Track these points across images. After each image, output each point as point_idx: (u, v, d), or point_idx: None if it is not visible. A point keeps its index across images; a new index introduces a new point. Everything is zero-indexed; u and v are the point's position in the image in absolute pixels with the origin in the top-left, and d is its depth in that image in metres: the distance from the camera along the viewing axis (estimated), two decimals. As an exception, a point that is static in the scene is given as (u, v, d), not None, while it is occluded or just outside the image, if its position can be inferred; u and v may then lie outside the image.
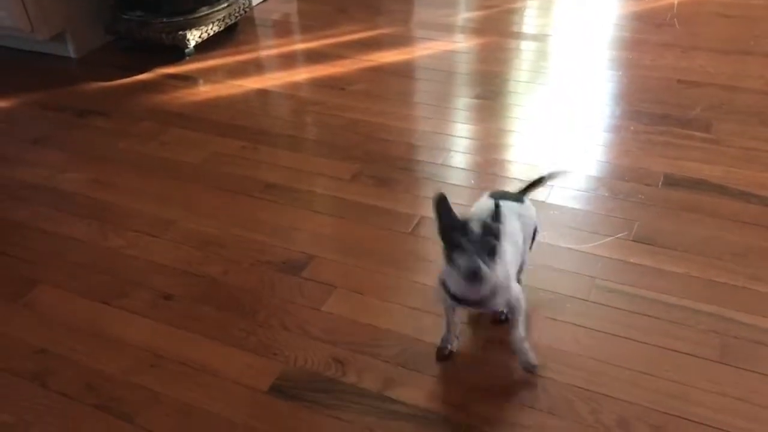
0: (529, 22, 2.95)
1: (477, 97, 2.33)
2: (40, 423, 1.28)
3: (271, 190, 1.87)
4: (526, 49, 2.68)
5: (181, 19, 2.41)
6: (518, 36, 2.78)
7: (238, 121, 2.19)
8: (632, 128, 2.10)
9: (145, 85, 2.40)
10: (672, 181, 1.84)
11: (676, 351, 1.36)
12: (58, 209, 1.84)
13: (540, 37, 2.77)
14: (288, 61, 2.62)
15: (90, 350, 1.43)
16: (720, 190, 1.81)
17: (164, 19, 2.40)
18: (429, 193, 1.83)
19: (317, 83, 2.39)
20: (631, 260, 1.58)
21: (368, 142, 2.05)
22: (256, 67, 2.54)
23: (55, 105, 2.32)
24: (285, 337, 1.44)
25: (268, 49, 2.72)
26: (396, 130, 2.11)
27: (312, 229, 1.74)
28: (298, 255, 1.64)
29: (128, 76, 2.45)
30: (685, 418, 1.23)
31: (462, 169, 1.95)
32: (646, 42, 2.64)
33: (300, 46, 2.71)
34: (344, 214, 1.77)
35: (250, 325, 1.47)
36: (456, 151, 2.04)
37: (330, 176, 1.90)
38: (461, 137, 2.12)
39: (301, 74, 2.48)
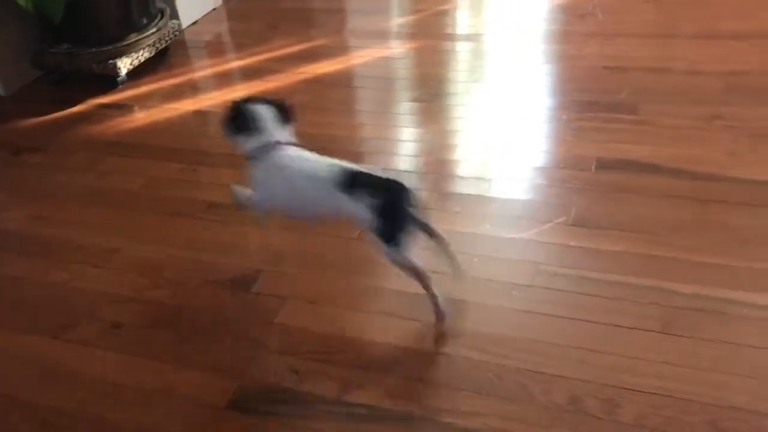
0: (461, 23, 3.00)
1: (417, 100, 2.36)
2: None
3: (214, 209, 1.86)
4: (461, 49, 2.73)
5: (110, 47, 2.38)
6: (451, 37, 2.83)
7: (175, 144, 2.18)
8: (565, 117, 2.16)
9: (80, 117, 2.37)
10: (605, 165, 1.90)
11: (620, 326, 1.41)
12: (1, 251, 1.81)
13: (473, 37, 2.82)
14: (223, 80, 2.62)
15: (38, 388, 1.40)
16: (651, 168, 1.87)
17: (93, 49, 2.37)
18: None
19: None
20: (571, 243, 1.63)
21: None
22: (191, 88, 2.53)
23: (-12, 144, 2.27)
24: (239, 352, 1.43)
25: (202, 69, 2.71)
26: (339, 139, 2.13)
27: (258, 243, 1.75)
28: (246, 271, 1.64)
29: (61, 110, 2.41)
30: (635, 389, 1.27)
31: (408, 171, 1.98)
32: (572, 33, 2.72)
33: (234, 65, 2.71)
34: (290, 226, 1.76)
35: (203, 345, 1.46)
36: (401, 155, 2.07)
37: (273, 190, 1.91)
38: (405, 141, 2.15)
39: (238, 92, 2.47)
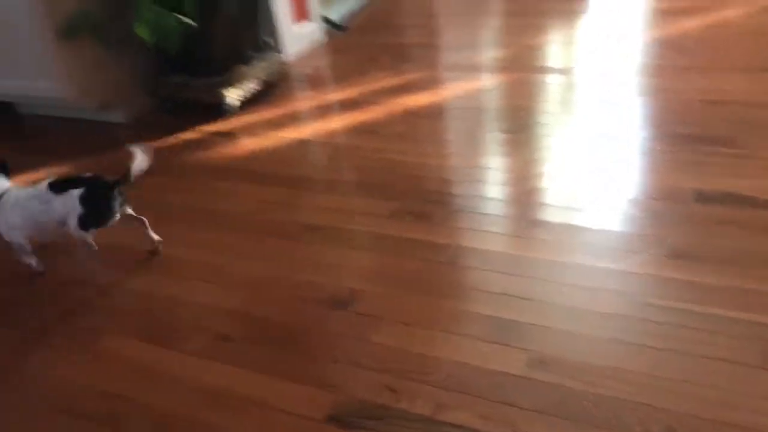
0: (553, 56, 3.04)
1: (506, 131, 2.41)
2: (116, 461, 1.38)
3: (316, 231, 1.96)
4: (552, 82, 2.76)
5: (221, 79, 2.56)
6: (543, 70, 2.87)
7: (280, 170, 2.31)
8: (659, 149, 2.15)
9: (192, 143, 2.55)
10: (702, 197, 1.88)
11: (717, 359, 1.39)
12: (118, 266, 1.96)
13: (565, 70, 2.85)
14: (323, 110, 2.75)
15: (156, 392, 1.52)
16: (751, 201, 1.84)
17: (204, 81, 2.55)
18: (465, 224, 1.91)
19: (353, 129, 2.50)
20: (667, 275, 1.63)
21: (405, 180, 2.14)
22: (294, 118, 2.67)
23: (106, 167, 2.44)
24: (337, 368, 1.51)
25: (304, 101, 2.85)
26: (430, 167, 2.20)
27: (355, 265, 1.83)
28: (344, 291, 1.72)
29: (174, 136, 2.60)
30: (733, 424, 1.26)
31: (496, 199, 2.03)
32: (667, 66, 2.70)
33: (334, 96, 2.84)
34: (385, 249, 1.85)
35: (304, 360, 1.55)
36: (489, 183, 2.12)
37: (369, 214, 1.99)
38: (494, 169, 2.19)
39: (337, 122, 2.60)
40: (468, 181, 2.13)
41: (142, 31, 2.27)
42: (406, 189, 2.10)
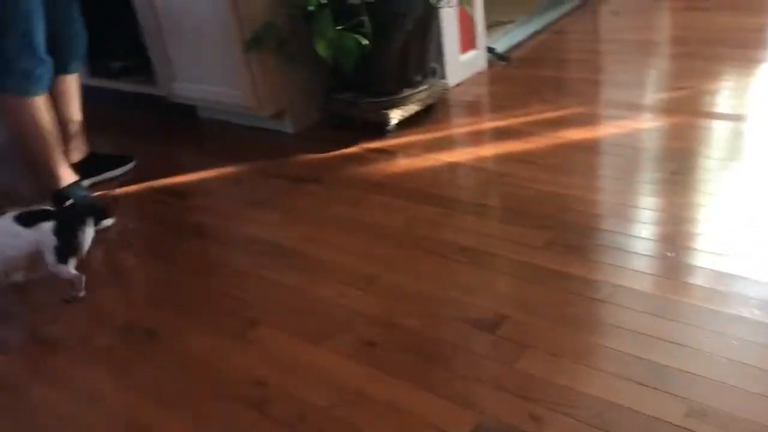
0: (724, 102, 2.89)
1: (666, 172, 2.31)
2: (261, 443, 1.44)
3: (466, 252, 1.98)
4: (720, 128, 2.62)
5: (386, 99, 2.66)
6: (711, 116, 2.73)
7: (433, 190, 2.35)
8: None
9: (351, 158, 2.65)
10: None
11: None
12: (275, 260, 2.07)
13: (735, 117, 2.70)
14: (480, 137, 2.77)
15: (301, 384, 1.59)
16: None
17: (371, 100, 2.66)
18: (616, 261, 1.85)
19: (508, 158, 2.50)
20: None
21: (559, 212, 2.11)
22: (451, 142, 2.71)
23: (273, 173, 2.62)
24: (480, 389, 1.50)
25: (462, 126, 2.89)
26: (585, 202, 2.15)
27: (504, 290, 1.82)
28: (492, 314, 1.72)
29: (336, 150, 2.72)
30: None
31: (649, 239, 1.95)
32: None
33: (491, 124, 2.86)
34: (536, 279, 1.82)
35: (447, 375, 1.55)
36: (643, 222, 2.04)
37: (522, 243, 1.98)
38: (646, 209, 2.11)
39: (492, 149, 2.62)
40: (622, 218, 2.06)
41: (322, 49, 2.41)
42: (559, 221, 2.07)
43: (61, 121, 2.44)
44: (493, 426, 1.40)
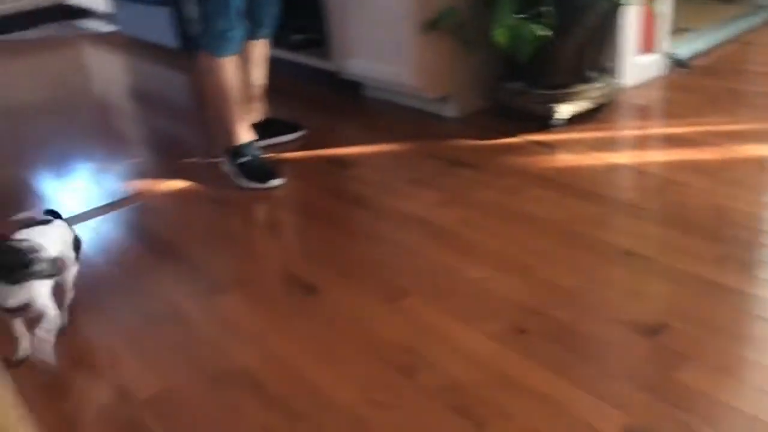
0: None
1: None
2: (403, 407, 1.48)
3: (628, 255, 1.91)
4: None
5: (557, 92, 2.62)
6: None
7: (596, 190, 2.29)
8: None
9: (512, 148, 2.63)
10: None
11: None
12: (430, 238, 2.11)
13: None
14: (649, 142, 2.66)
15: (449, 358, 1.61)
16: None
17: (541, 92, 2.63)
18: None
19: (679, 165, 2.39)
20: None
21: (734, 227, 1.99)
22: (617, 143, 2.63)
23: (433, 154, 2.66)
24: (634, 392, 1.45)
25: (631, 129, 2.79)
26: (764, 220, 2.02)
27: (668, 299, 1.74)
28: (652, 320, 1.65)
29: (497, 138, 2.71)
30: None
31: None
32: None
33: (662, 130, 2.73)
34: (704, 292, 1.73)
35: (599, 373, 1.52)
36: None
37: (691, 254, 1.88)
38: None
39: (663, 155, 2.50)
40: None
41: (500, 36, 2.41)
42: (733, 236, 1.95)
43: (246, 83, 2.61)
44: (645, 430, 1.36)
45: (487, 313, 1.75)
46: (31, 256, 1.57)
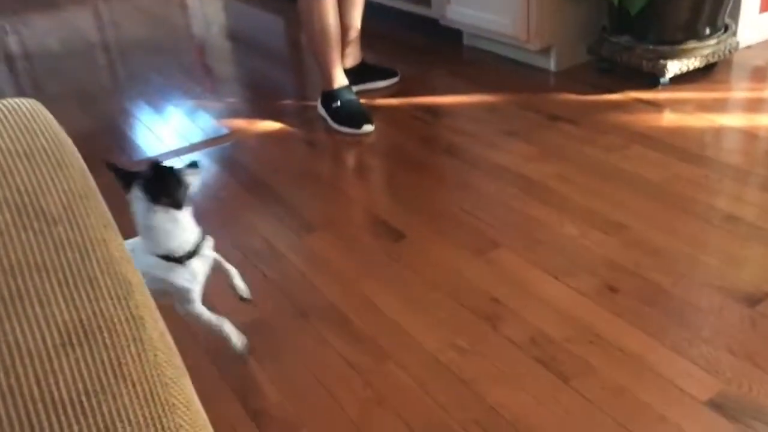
0: None
1: None
2: (487, 355, 1.48)
3: (732, 221, 1.82)
4: None
5: (667, 48, 2.48)
6: None
7: (702, 152, 2.18)
8: None
9: (614, 104, 2.53)
10: None
11: None
12: (523, 191, 2.07)
13: None
14: (763, 105, 2.50)
15: (536, 311, 1.59)
16: None
17: (650, 47, 2.50)
18: None
19: (795, 132, 2.24)
20: None
21: None
22: (728, 105, 2.49)
23: (530, 107, 2.59)
24: (730, 360, 1.40)
25: (744, 90, 2.64)
26: None
27: (772, 268, 1.66)
28: (753, 289, 1.58)
29: (599, 94, 2.61)
30: None
31: None
32: None
33: (779, 94, 2.57)
34: (814, 264, 1.64)
35: (693, 337, 1.47)
36: None
37: (801, 223, 1.78)
38: None
39: (778, 121, 2.36)
40: None
41: (613, -15, 2.29)
42: None
43: (343, 26, 2.60)
44: (740, 398, 1.31)
45: (578, 269, 1.71)
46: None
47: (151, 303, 0.49)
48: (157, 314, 0.47)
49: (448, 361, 1.48)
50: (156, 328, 0.42)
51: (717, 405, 1.30)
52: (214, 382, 1.50)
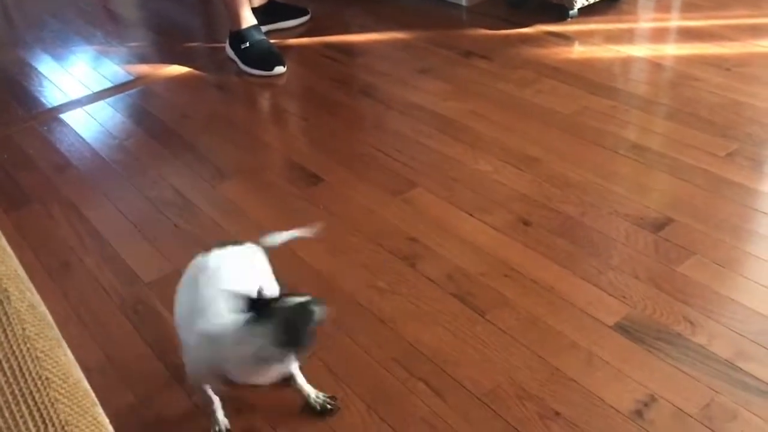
0: None
1: None
2: (405, 294, 1.50)
3: (637, 150, 1.88)
4: None
5: (575, -19, 2.50)
6: None
7: (611, 83, 2.22)
8: None
9: (526, 38, 2.54)
10: None
11: None
12: (438, 129, 2.07)
13: None
14: (668, 35, 2.57)
15: (453, 248, 1.61)
16: None
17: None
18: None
19: (697, 60, 2.31)
20: None
21: (750, 124, 1.94)
22: (635, 36, 2.54)
23: (443, 43, 2.57)
24: (635, 284, 1.46)
25: (649, 21, 2.69)
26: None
27: (675, 194, 1.73)
28: (657, 215, 1.65)
29: (511, 29, 2.61)
30: None
31: None
32: None
33: (682, 23, 2.63)
34: (712, 188, 1.71)
35: (602, 265, 1.52)
36: None
37: (701, 149, 1.85)
38: None
39: (680, 49, 2.42)
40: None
41: None
42: (752, 134, 1.90)
43: (249, -36, 2.49)
44: (643, 320, 1.37)
45: (492, 205, 1.74)
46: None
47: (20, 274, 0.46)
48: (26, 285, 0.44)
49: (368, 302, 1.49)
50: (23, 299, 0.40)
51: (623, 328, 1.36)
52: (129, 336, 1.47)
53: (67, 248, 1.73)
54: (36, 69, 2.75)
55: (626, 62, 2.36)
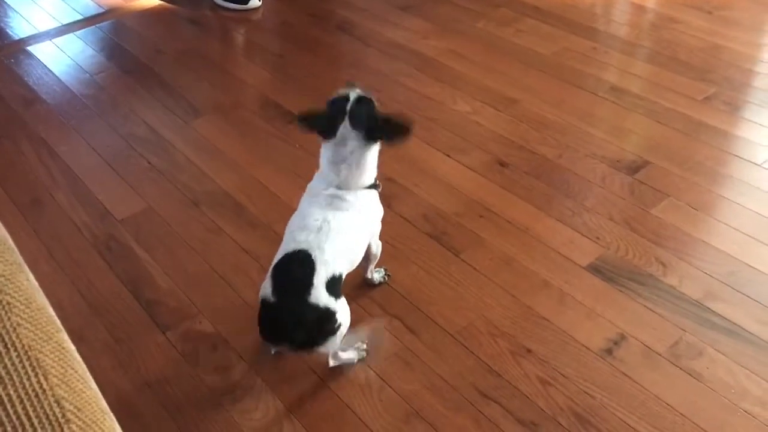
0: None
1: None
2: (382, 235, 1.49)
3: (616, 92, 1.87)
4: None
5: None
6: None
7: (592, 24, 2.20)
8: None
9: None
10: None
11: None
12: (417, 69, 2.04)
13: None
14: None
15: (429, 189, 1.61)
16: None
17: None
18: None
19: (681, 2, 2.29)
20: None
21: (729, 68, 1.94)
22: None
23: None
24: (610, 226, 1.48)
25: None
26: (761, 62, 1.97)
27: (652, 137, 1.73)
28: (634, 157, 1.65)
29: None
30: None
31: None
32: None
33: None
34: (689, 132, 1.72)
35: (577, 207, 1.53)
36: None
37: (680, 93, 1.85)
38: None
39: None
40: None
41: None
42: (730, 78, 1.91)
43: None
44: (617, 261, 1.39)
45: (469, 146, 1.73)
46: None
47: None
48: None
49: (344, 241, 1.49)
50: (-20, 223, 0.38)
51: (596, 268, 1.38)
52: (102, 273, 1.45)
53: (38, 184, 1.69)
54: (1, 0, 2.65)
55: (608, 3, 2.33)
